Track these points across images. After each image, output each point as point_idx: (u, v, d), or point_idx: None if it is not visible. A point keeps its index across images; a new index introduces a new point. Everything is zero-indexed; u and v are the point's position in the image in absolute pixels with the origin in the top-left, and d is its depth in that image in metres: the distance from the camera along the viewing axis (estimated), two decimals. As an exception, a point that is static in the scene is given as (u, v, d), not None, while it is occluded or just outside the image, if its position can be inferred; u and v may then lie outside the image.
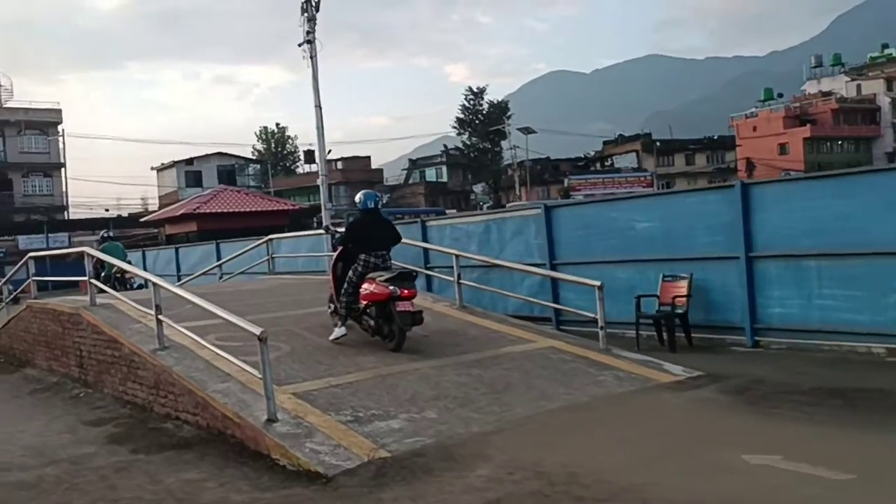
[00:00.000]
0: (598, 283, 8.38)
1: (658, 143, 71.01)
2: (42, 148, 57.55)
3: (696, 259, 9.37)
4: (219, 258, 20.57)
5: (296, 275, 14.65)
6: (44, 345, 11.54)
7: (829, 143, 79.13)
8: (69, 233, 50.85)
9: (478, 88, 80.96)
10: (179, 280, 22.04)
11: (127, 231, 51.79)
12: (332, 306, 9.30)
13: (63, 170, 57.65)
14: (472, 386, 7.07)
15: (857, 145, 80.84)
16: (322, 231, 10.84)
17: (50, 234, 47.14)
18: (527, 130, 59.74)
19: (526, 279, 11.73)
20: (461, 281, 10.36)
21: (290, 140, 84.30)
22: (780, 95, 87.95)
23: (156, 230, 53.43)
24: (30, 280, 12.25)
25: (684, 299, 9.23)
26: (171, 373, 7.55)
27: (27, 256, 12.31)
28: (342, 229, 9.40)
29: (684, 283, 9.30)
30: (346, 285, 8.67)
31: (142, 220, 41.12)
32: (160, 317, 8.11)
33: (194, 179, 58.87)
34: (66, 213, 56.98)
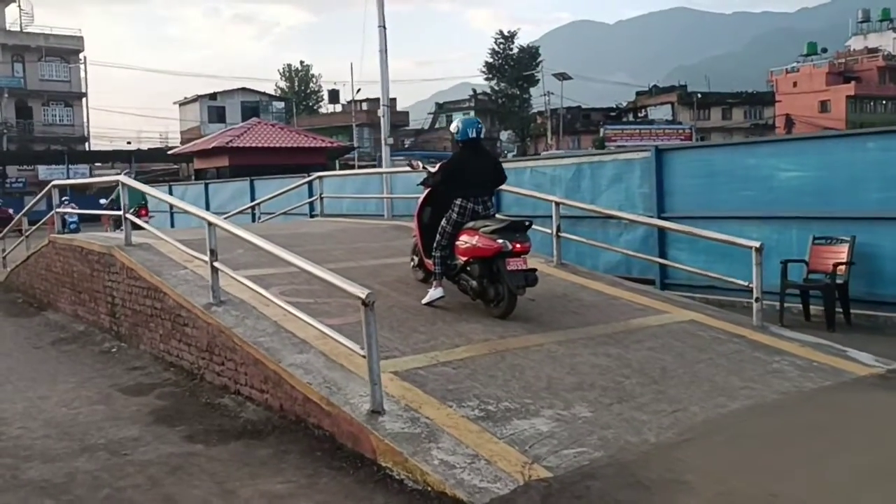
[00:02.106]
0: (755, 243, 6.73)
1: (700, 95, 68.21)
2: (63, 76, 55.74)
3: (860, 219, 7.69)
4: (253, 197, 19.06)
5: (349, 218, 13.06)
6: (69, 287, 10.08)
7: (872, 103, 76.02)
8: (89, 164, 49.53)
9: (508, 32, 78.24)
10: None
11: (147, 166, 50.51)
12: (416, 259, 7.86)
13: (84, 99, 55.91)
14: (618, 371, 5.51)
15: (902, 105, 77.78)
16: (406, 169, 9.17)
17: (70, 166, 45.69)
18: (562, 77, 57.35)
19: (624, 234, 10.12)
20: (561, 234, 8.73)
21: (313, 79, 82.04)
22: (825, 50, 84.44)
23: (176, 166, 52.02)
24: (53, 212, 10.73)
25: (844, 267, 7.58)
26: (232, 335, 6.03)
27: (50, 185, 10.80)
28: (431, 168, 7.71)
29: (844, 248, 7.64)
30: (438, 237, 7.06)
31: (169, 152, 39.35)
32: (216, 264, 6.56)
33: (217, 115, 57.03)
34: (86, 144, 55.44)
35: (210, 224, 6.54)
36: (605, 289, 7.89)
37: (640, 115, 70.18)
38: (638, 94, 76.83)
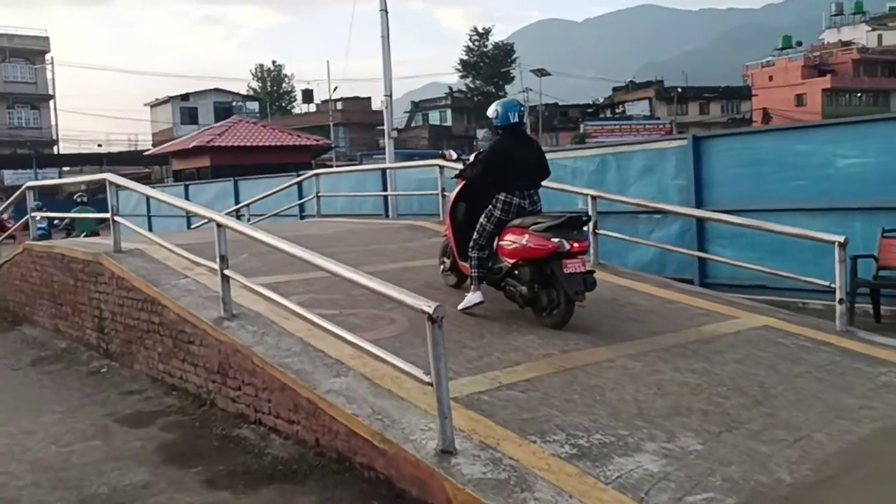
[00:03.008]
0: (839, 237, 5.98)
1: (680, 90, 67.96)
2: (28, 78, 53.95)
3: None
4: (237, 198, 18.09)
5: (347, 218, 12.18)
6: (48, 298, 9.10)
7: (847, 95, 76.32)
8: (58, 168, 47.97)
9: (483, 29, 77.64)
10: (189, 222, 19.57)
11: (117, 169, 49.00)
12: (447, 262, 7.05)
13: (51, 102, 54.19)
14: (712, 390, 4.72)
15: (876, 98, 78.10)
16: (408, 165, 8.46)
17: (38, 170, 44.14)
18: (540, 73, 56.69)
19: (656, 230, 9.36)
20: (599, 231, 7.94)
21: (286, 79, 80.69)
22: (799, 44, 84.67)
23: (148, 169, 50.61)
24: (28, 216, 9.73)
25: (921, 263, 6.87)
26: (251, 355, 5.15)
27: (25, 186, 9.78)
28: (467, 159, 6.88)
29: (920, 241, 6.93)
30: (476, 236, 6.23)
31: (146, 153, 37.91)
32: (228, 272, 5.66)
33: (190, 116, 55.57)
34: (54, 147, 53.75)
35: (219, 226, 5.65)
36: (657, 291, 7.10)
37: (617, 110, 69.88)
38: (614, 89, 76.54)
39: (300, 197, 15.08)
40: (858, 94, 77.29)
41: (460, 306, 6.16)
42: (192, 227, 14.69)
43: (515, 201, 6.12)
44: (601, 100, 76.16)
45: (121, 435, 5.32)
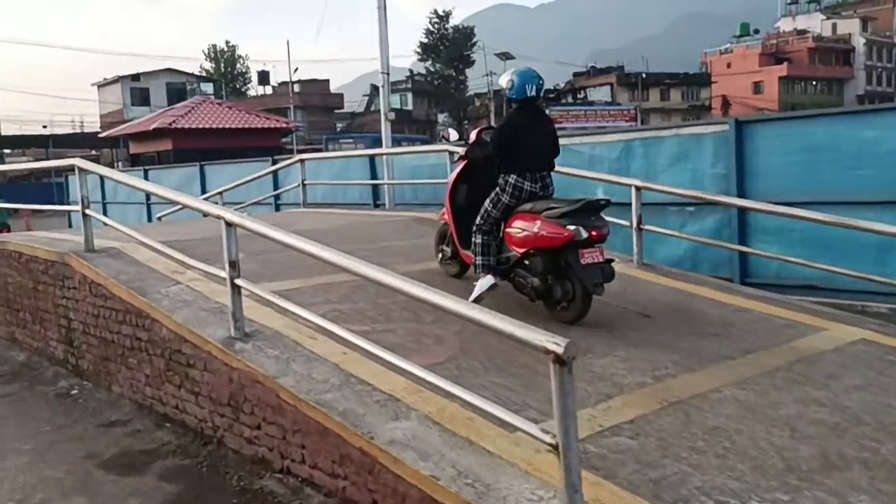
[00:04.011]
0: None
1: (644, 76, 67.73)
2: (-34, 54, 51.00)
3: None
4: (203, 185, 16.82)
5: (333, 208, 11.08)
6: (3, 303, 7.92)
7: (803, 83, 77.13)
8: None
9: (443, 12, 76.29)
10: (150, 212, 18.24)
11: (64, 152, 46.70)
12: (446, 250, 6.45)
13: (-9, 80, 51.36)
14: (856, 431, 3.86)
15: (830, 86, 79.13)
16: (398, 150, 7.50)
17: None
18: (504, 56, 55.69)
19: (689, 223, 8.52)
20: (644, 226, 7.05)
21: (240, 60, 78.31)
22: (756, 32, 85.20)
23: (96, 152, 48.36)
24: (-23, 207, 8.46)
25: None
26: (276, 388, 4.13)
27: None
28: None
29: None
30: (480, 221, 5.60)
31: (101, 135, 35.81)
32: (240, 281, 4.60)
33: (141, 97, 53.18)
34: (-5, 128, 51.07)
35: (229, 225, 4.58)
36: (720, 296, 6.23)
37: (578, 96, 69.31)
38: (575, 74, 75.97)
39: (276, 184, 13.96)
40: (814, 82, 78.25)
41: (471, 297, 5.38)
42: (160, 216, 13.42)
43: (527, 186, 5.46)
44: (562, 85, 75.55)
45: (108, 486, 4.27)
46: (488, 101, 58.62)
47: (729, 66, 78.19)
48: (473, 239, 5.66)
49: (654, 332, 5.22)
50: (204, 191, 16.50)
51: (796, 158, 7.65)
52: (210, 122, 26.28)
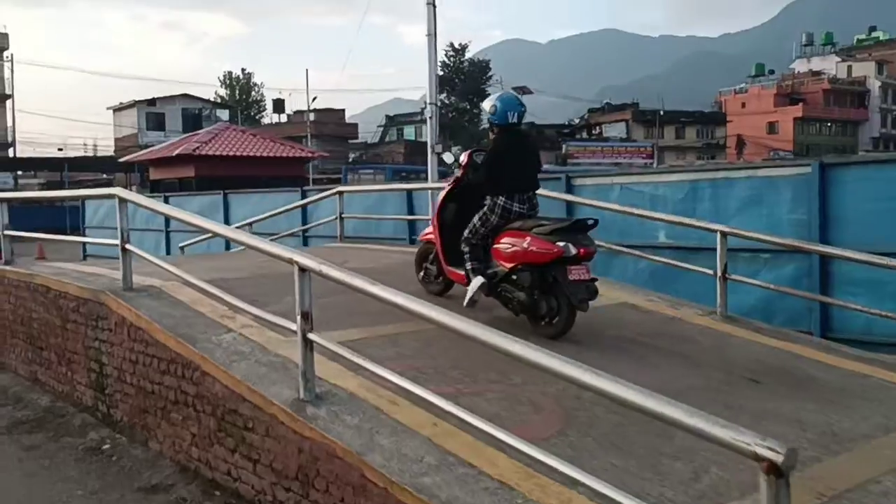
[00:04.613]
0: None
1: (661, 113, 67.41)
2: (-15, 76, 51.01)
3: None
4: (226, 214, 16.29)
5: (374, 244, 10.48)
6: (23, 338, 7.32)
7: (818, 125, 76.87)
8: (13, 173, 45.24)
9: (460, 45, 76.52)
10: (168, 240, 17.70)
11: (76, 175, 46.38)
12: (431, 268, 6.56)
13: (9, 102, 51.27)
14: None
15: (845, 128, 78.88)
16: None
17: (-8, 174, 41.53)
18: (522, 90, 55.56)
19: (763, 270, 7.91)
20: (730, 276, 6.45)
21: (255, 87, 78.41)
22: (772, 72, 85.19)
23: (109, 176, 48.02)
24: (0, 234, 7.89)
25: None
26: (360, 466, 3.51)
27: (-4, 198, 7.97)
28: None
29: None
30: (468, 234, 5.82)
31: (121, 160, 35.37)
32: (313, 336, 4.00)
33: (156, 122, 52.98)
34: (10, 150, 50.79)
35: (303, 270, 3.98)
36: (826, 358, 5.61)
37: (594, 132, 69.10)
38: (590, 110, 75.86)
39: (304, 215, 13.40)
40: (829, 123, 78.02)
41: (466, 299, 5.72)
42: (182, 245, 12.86)
43: (515, 207, 5.70)
44: (576, 120, 75.44)
45: (158, 574, 3.63)
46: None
47: (744, 105, 78.09)
48: (462, 248, 5.84)
49: (772, 401, 4.59)
50: (227, 220, 15.96)
51: (889, 205, 7.05)
52: (234, 150, 25.75)
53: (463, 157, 6.30)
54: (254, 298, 5.11)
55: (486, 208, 5.73)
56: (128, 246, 5.81)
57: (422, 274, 6.68)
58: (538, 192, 5.91)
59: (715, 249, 7.75)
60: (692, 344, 5.70)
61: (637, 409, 2.54)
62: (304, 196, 14.04)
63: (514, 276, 5.55)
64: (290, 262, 4.03)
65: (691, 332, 5.98)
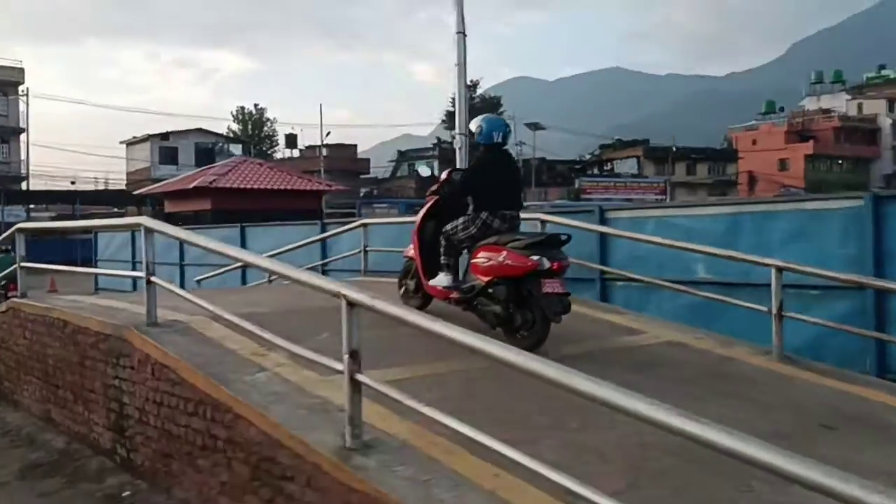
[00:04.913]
0: None
1: (675, 149, 67.37)
2: (0, 110, 51.38)
3: None
4: (243, 247, 15.97)
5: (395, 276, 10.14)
6: (38, 376, 6.99)
7: (829, 162, 76.60)
8: (25, 205, 45.28)
9: (472, 81, 76.91)
10: (182, 274, 17.40)
11: (87, 208, 46.40)
12: (410, 283, 6.75)
13: (23, 136, 51.57)
14: None
15: (856, 165, 78.57)
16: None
17: (5, 207, 41.49)
18: (534, 126, 55.68)
19: (814, 306, 7.51)
20: (786, 313, 6.08)
21: (268, 123, 78.80)
22: (782, 109, 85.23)
23: (120, 210, 48.05)
24: (17, 266, 7.62)
25: None
26: (419, 526, 3.13)
27: (14, 228, 7.72)
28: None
29: None
30: (450, 228, 6.09)
31: (136, 192, 35.32)
32: (361, 376, 3.65)
33: (169, 156, 53.15)
34: (23, 183, 50.97)
35: (351, 305, 3.64)
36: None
37: (605, 168, 69.01)
38: (602, 146, 75.94)
39: (324, 250, 13.09)
40: (840, 161, 77.71)
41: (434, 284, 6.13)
42: (198, 279, 12.56)
43: (496, 224, 5.94)
44: (587, 156, 75.46)
45: None
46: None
47: (754, 142, 77.94)
48: (440, 239, 6.14)
49: (852, 450, 4.20)
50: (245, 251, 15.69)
51: (950, 240, 6.71)
52: (250, 183, 25.57)
53: (443, 175, 6.57)
54: (286, 335, 4.78)
55: (469, 217, 6.00)
56: (153, 278, 5.50)
57: (402, 290, 6.86)
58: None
59: (759, 285, 7.43)
60: (753, 386, 5.32)
61: (745, 460, 2.18)
62: (323, 229, 13.77)
63: (491, 290, 5.71)
64: (338, 295, 3.70)
65: (749, 373, 5.61)
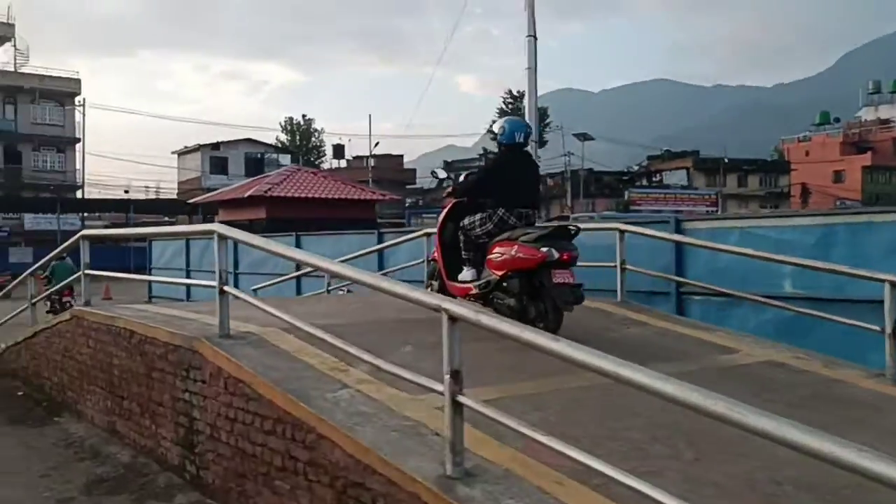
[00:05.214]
0: None
1: (726, 160, 66.14)
2: (57, 120, 52.38)
3: None
4: (298, 257, 15.83)
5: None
6: (102, 386, 6.80)
7: (888, 174, 74.40)
8: (80, 214, 46.11)
9: (518, 92, 76.61)
10: (236, 282, 17.29)
11: (139, 217, 47.09)
12: (434, 284, 6.94)
13: (78, 145, 52.62)
14: None
15: (916, 177, 76.23)
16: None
17: (60, 215, 42.30)
18: (583, 137, 55.05)
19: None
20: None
21: (315, 133, 79.38)
22: (837, 120, 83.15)
23: (171, 219, 48.65)
24: (81, 273, 7.48)
25: None
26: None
27: (78, 235, 7.59)
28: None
29: None
30: (466, 223, 6.36)
31: (191, 201, 35.65)
32: (464, 399, 3.32)
33: (220, 166, 53.79)
34: (78, 191, 51.94)
35: (453, 319, 3.31)
36: None
37: (654, 179, 67.98)
38: (650, 157, 74.92)
39: (380, 260, 12.82)
40: (898, 173, 75.53)
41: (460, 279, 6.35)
42: (255, 287, 12.39)
43: (512, 220, 6.15)
44: (635, 167, 74.47)
45: None
46: (563, 180, 57.63)
47: (807, 154, 76.22)
48: (458, 235, 6.43)
49: None
50: (299, 262, 15.56)
51: None
52: (306, 192, 25.48)
53: (462, 177, 6.93)
54: (366, 349, 4.48)
55: (486, 214, 6.21)
56: (226, 288, 5.25)
57: (429, 290, 6.88)
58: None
59: (856, 301, 6.97)
60: (873, 413, 4.86)
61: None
62: (381, 238, 13.53)
63: (505, 284, 5.94)
64: (438, 309, 3.37)
65: (866, 398, 5.13)
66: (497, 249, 6.03)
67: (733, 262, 8.12)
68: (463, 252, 6.42)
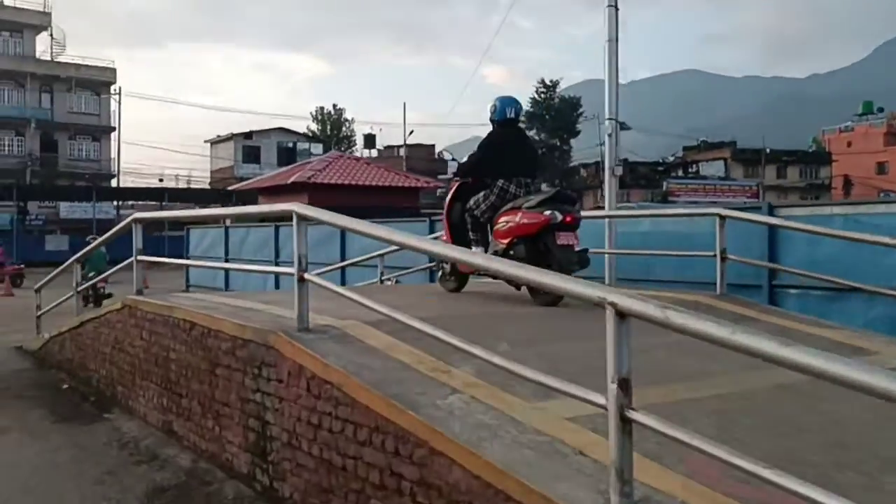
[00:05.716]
0: None
1: (768, 152, 64.61)
2: (93, 109, 52.43)
3: None
4: (343, 245, 15.27)
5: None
6: (157, 382, 6.23)
7: (933, 166, 72.30)
8: (116, 202, 46.09)
9: (551, 81, 75.75)
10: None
11: (171, 206, 46.90)
12: (446, 267, 7.03)
13: (114, 134, 52.63)
14: None
15: (962, 170, 73.99)
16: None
17: (95, 203, 42.25)
18: (621, 127, 53.86)
19: None
20: None
21: (346, 123, 78.91)
22: (881, 110, 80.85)
23: (203, 206, 48.42)
24: (134, 259, 6.93)
25: None
26: None
27: (131, 218, 7.05)
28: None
29: None
30: (472, 204, 6.54)
31: (229, 188, 35.26)
32: (635, 414, 2.66)
33: (252, 155, 53.51)
34: (113, 180, 51.94)
35: (622, 315, 2.66)
36: None
37: (690, 169, 66.63)
38: (685, 148, 73.52)
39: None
40: (945, 165, 73.30)
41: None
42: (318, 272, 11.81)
43: (512, 189, 6.37)
44: (671, 158, 73.08)
45: None
46: (597, 170, 56.53)
47: (849, 144, 74.29)
48: (465, 217, 6.59)
49: None
50: (344, 251, 15.02)
51: None
52: (348, 178, 24.87)
53: (465, 158, 6.97)
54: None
55: (488, 189, 6.43)
56: (306, 276, 4.64)
57: (440, 273, 7.26)
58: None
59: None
60: None
61: None
62: (432, 227, 12.89)
63: (512, 252, 6.07)
64: (603, 303, 2.72)
65: None
66: (502, 219, 6.26)
67: (837, 252, 7.43)
68: (470, 233, 6.56)
